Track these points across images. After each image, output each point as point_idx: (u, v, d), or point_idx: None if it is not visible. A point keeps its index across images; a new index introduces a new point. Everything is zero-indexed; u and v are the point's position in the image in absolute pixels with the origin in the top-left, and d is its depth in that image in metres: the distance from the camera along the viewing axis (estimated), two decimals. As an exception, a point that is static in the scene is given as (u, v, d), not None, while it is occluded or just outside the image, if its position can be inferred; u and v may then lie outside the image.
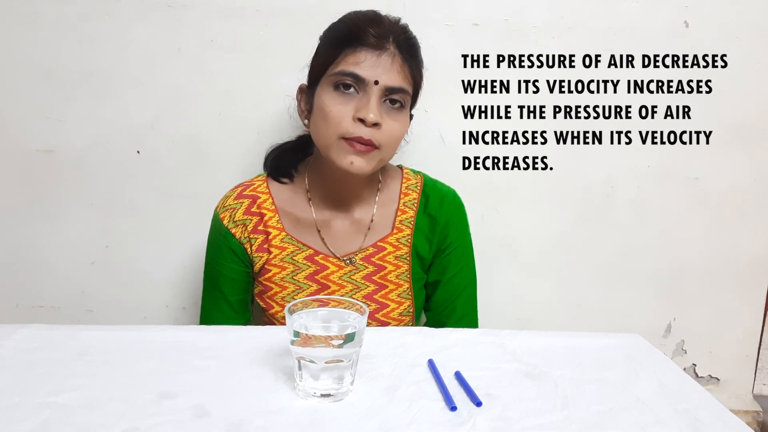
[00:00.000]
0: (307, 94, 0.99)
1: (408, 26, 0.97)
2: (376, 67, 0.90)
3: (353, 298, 0.99)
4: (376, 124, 0.90)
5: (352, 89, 0.91)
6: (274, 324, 1.02)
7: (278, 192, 1.04)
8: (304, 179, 1.04)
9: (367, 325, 0.98)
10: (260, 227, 1.01)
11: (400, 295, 1.02)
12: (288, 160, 1.06)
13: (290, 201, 1.03)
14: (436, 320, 1.08)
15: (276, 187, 1.04)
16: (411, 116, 1.00)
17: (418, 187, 1.06)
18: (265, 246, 1.01)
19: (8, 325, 0.84)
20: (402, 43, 0.93)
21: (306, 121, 0.99)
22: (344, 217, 1.03)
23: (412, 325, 1.05)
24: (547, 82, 1.27)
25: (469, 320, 1.08)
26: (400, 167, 1.09)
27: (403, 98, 0.93)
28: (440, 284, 1.06)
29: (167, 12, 1.20)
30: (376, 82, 0.90)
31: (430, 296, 1.08)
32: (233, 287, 1.04)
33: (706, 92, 1.29)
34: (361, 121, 0.89)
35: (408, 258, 1.03)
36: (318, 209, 1.03)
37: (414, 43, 0.96)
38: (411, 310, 1.03)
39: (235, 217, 1.01)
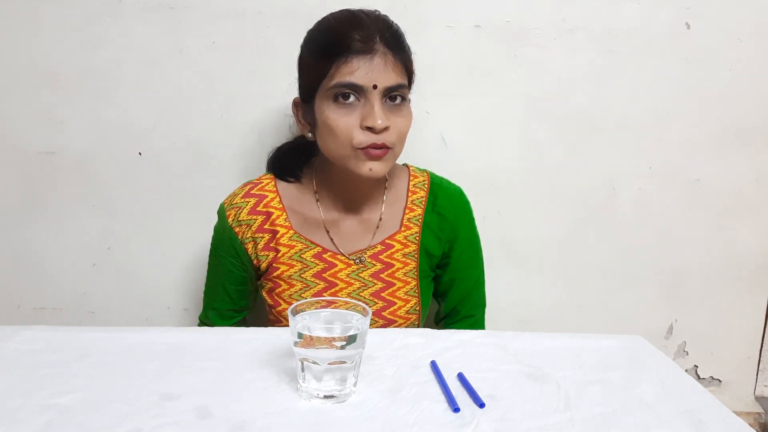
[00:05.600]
0: (304, 108, 0.98)
1: (388, 17, 0.96)
2: (371, 72, 0.89)
3: (360, 296, 1.00)
4: (385, 128, 0.90)
5: (352, 98, 0.91)
6: (280, 321, 1.03)
7: (286, 191, 1.04)
8: (311, 180, 1.04)
9: (374, 323, 0.99)
10: (266, 226, 1.02)
11: (407, 293, 1.03)
12: (291, 162, 1.07)
13: (298, 200, 1.04)
14: (451, 307, 1.11)
15: (283, 186, 1.05)
16: (408, 101, 1.00)
17: (425, 185, 1.06)
18: (272, 244, 1.02)
19: (10, 327, 0.84)
20: (389, 39, 0.92)
21: (310, 135, 0.99)
22: (353, 217, 1.04)
23: (418, 324, 1.05)
24: (548, 83, 1.27)
25: (482, 304, 1.13)
26: (406, 166, 1.10)
27: (402, 92, 0.93)
28: (456, 281, 1.09)
29: (169, 14, 1.20)
30: (375, 87, 0.90)
31: (446, 291, 1.10)
32: (230, 278, 1.06)
33: (708, 94, 1.29)
34: (370, 129, 0.90)
35: (416, 255, 1.04)
36: (326, 209, 1.03)
37: (399, 34, 0.96)
38: (417, 308, 1.03)
39: (240, 216, 1.02)
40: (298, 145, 1.08)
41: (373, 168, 0.92)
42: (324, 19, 0.96)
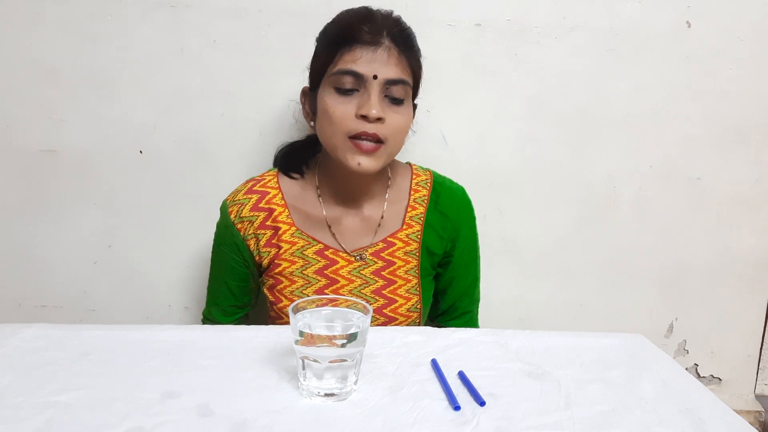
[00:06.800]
0: (310, 96, 1.00)
1: (401, 18, 0.97)
2: (373, 62, 0.90)
3: (362, 293, 1.00)
4: (379, 119, 0.90)
5: (352, 87, 0.91)
6: (281, 317, 1.03)
7: (288, 188, 1.05)
8: (314, 176, 1.05)
9: (375, 321, 0.99)
10: (268, 222, 1.02)
11: (409, 291, 1.03)
12: (298, 158, 1.07)
13: (300, 197, 1.04)
14: (449, 304, 1.11)
15: (286, 183, 1.05)
16: (415, 106, 1.00)
17: (428, 184, 1.07)
18: (274, 241, 1.02)
19: (11, 325, 0.84)
20: (396, 35, 0.93)
21: (312, 123, 1.00)
22: (354, 213, 1.04)
23: (419, 322, 1.06)
24: (549, 82, 1.27)
25: (477, 300, 1.14)
26: (409, 164, 1.10)
27: (404, 90, 0.94)
28: (455, 278, 1.09)
29: (170, 12, 1.20)
30: (375, 77, 0.90)
31: (445, 289, 1.10)
32: (233, 274, 1.07)
33: (708, 92, 1.29)
34: (364, 117, 0.90)
35: (417, 254, 1.04)
36: (328, 206, 1.04)
37: (409, 34, 0.97)
38: (418, 307, 1.04)
39: (242, 213, 1.02)
40: (304, 143, 1.09)
41: (362, 162, 0.92)
42: (341, 12, 0.98)
